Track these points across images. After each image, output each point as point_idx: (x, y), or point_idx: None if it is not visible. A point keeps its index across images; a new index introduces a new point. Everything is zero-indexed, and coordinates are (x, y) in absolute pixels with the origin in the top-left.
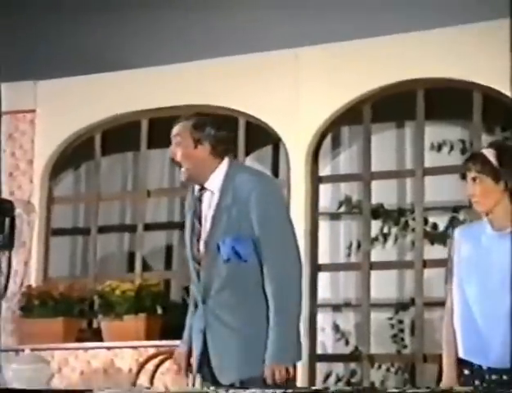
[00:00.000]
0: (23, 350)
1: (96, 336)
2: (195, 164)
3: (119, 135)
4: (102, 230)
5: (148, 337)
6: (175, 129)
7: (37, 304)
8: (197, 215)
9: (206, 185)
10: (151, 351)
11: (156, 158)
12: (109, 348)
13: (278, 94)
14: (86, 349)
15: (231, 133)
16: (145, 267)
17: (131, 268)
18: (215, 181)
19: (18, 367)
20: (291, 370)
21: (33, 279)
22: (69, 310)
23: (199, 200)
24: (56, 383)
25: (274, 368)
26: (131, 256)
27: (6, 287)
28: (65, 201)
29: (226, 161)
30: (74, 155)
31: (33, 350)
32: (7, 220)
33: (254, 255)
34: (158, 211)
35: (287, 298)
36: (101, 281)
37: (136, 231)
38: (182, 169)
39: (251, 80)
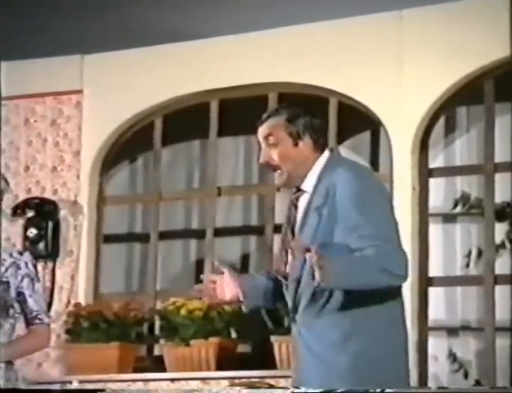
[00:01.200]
0: (70, 383)
1: (158, 365)
2: (295, 164)
3: (184, 120)
4: (164, 236)
5: (219, 367)
6: (264, 128)
7: (86, 327)
8: (291, 223)
9: (302, 186)
10: (224, 384)
11: (228, 148)
12: (173, 380)
13: (377, 68)
14: (145, 380)
15: (325, 120)
16: None
17: (199, 282)
18: (310, 180)
19: None
20: None
21: (82, 296)
22: (125, 334)
23: (295, 205)
24: None
25: None
26: (199, 267)
27: (49, 306)
28: (119, 202)
29: (325, 155)
30: (129, 146)
31: (81, 382)
32: (50, 224)
33: None
34: (230, 213)
35: None
36: (162, 298)
37: (204, 237)
38: (278, 172)
39: (344, 52)
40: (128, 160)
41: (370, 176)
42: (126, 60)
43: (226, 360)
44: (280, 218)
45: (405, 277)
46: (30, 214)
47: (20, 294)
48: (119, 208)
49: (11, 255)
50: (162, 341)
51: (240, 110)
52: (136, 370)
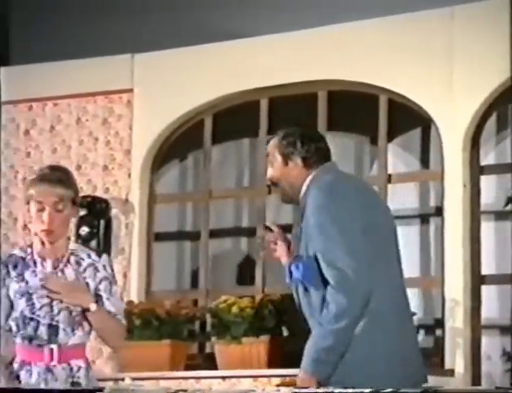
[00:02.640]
0: (122, 380)
1: (209, 362)
2: (287, 182)
3: (233, 118)
4: (214, 234)
5: (271, 364)
6: (266, 148)
7: (138, 325)
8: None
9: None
10: (275, 381)
11: None
12: (224, 377)
13: (428, 65)
14: (197, 378)
15: (323, 142)
16: (268, 279)
17: (250, 280)
18: (300, 196)
19: None
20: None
21: (134, 294)
22: (177, 332)
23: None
24: None
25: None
26: (249, 266)
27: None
28: (170, 200)
29: (313, 173)
30: (179, 144)
31: (134, 379)
32: (102, 223)
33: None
34: (280, 211)
35: None
36: (213, 296)
37: (254, 235)
38: (278, 189)
39: (394, 49)
40: (178, 159)
41: (336, 194)
42: (176, 59)
43: (276, 358)
44: None
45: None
46: (82, 212)
47: (97, 296)
48: (170, 206)
49: (89, 256)
50: (213, 339)
51: (290, 108)
52: (187, 367)
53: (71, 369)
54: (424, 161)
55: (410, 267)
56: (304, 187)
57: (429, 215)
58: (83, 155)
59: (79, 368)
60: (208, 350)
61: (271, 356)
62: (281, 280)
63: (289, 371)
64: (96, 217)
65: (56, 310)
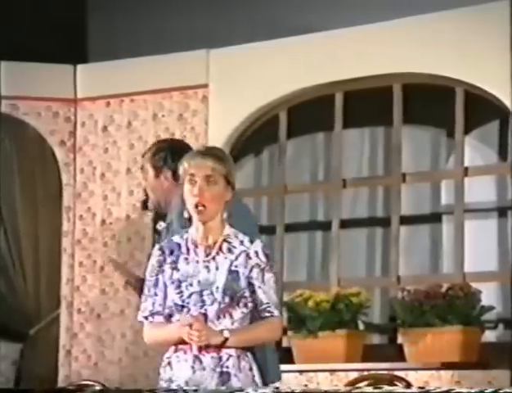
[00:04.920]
0: None
1: (286, 356)
2: (157, 193)
3: (308, 112)
4: (290, 228)
5: (348, 359)
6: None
7: None
8: None
9: None
10: (352, 376)
11: (353, 139)
12: (301, 371)
13: (505, 56)
14: None
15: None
16: (343, 272)
17: (325, 274)
18: None
19: None
20: None
21: None
22: None
23: None
24: None
25: None
26: (325, 260)
27: None
28: (245, 194)
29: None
30: (254, 139)
31: None
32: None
33: None
34: (356, 205)
35: None
36: (289, 290)
37: (330, 229)
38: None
39: (471, 40)
40: (253, 154)
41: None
42: (251, 54)
43: (353, 352)
44: (406, 209)
45: None
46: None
47: (249, 284)
48: (245, 201)
49: (241, 243)
50: (290, 333)
51: (365, 102)
52: None
53: (220, 358)
54: (502, 154)
55: (487, 261)
56: (176, 199)
57: (507, 209)
58: None
59: (229, 357)
60: (285, 343)
61: (348, 350)
62: (357, 274)
63: (367, 365)
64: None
65: (207, 300)
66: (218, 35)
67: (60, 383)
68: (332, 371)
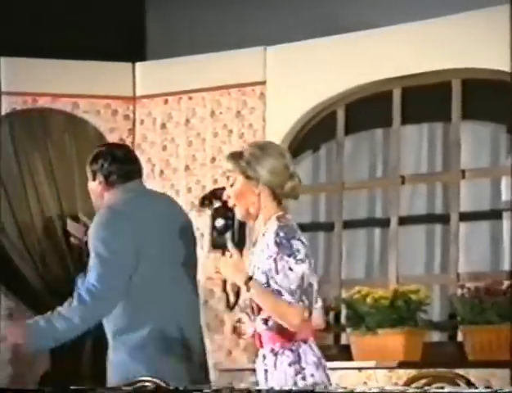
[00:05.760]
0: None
1: (345, 353)
2: (93, 196)
3: (366, 109)
4: (348, 225)
5: (408, 356)
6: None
7: None
8: None
9: None
10: (412, 373)
11: (411, 136)
12: (360, 368)
13: None
14: (333, 369)
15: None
16: (401, 269)
17: (383, 271)
18: None
19: None
20: None
21: None
22: None
23: None
24: None
25: None
26: (383, 256)
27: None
28: (303, 191)
29: (110, 192)
30: (311, 135)
31: None
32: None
33: None
34: (415, 201)
35: None
36: (347, 287)
37: (388, 225)
38: None
39: None
40: (311, 150)
41: (114, 215)
42: (308, 51)
43: (413, 349)
44: (465, 206)
45: None
46: (217, 204)
47: (266, 277)
48: (303, 197)
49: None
50: (348, 330)
51: (423, 98)
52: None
53: (264, 356)
54: None
55: None
56: (103, 204)
57: None
58: (218, 147)
59: (269, 353)
60: (343, 341)
61: (407, 347)
62: (415, 270)
63: (426, 363)
64: (230, 209)
65: None
66: (276, 32)
67: None
68: (390, 368)
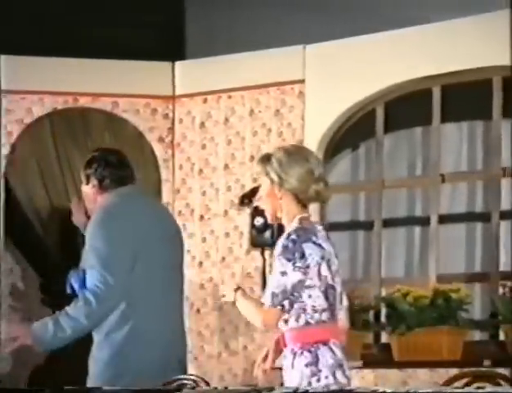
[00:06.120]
0: None
1: (385, 352)
2: (86, 200)
3: (405, 107)
4: (387, 223)
5: (448, 355)
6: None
7: None
8: None
9: None
10: (453, 372)
11: (451, 134)
12: (400, 367)
13: None
14: (373, 368)
15: (124, 169)
16: (442, 268)
17: (423, 269)
18: None
19: None
20: None
21: None
22: (352, 322)
23: None
24: None
25: None
26: (423, 255)
27: None
28: (342, 189)
29: (103, 196)
30: (351, 134)
31: None
32: None
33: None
34: (455, 200)
35: None
36: (387, 285)
37: (428, 224)
38: None
39: None
40: (350, 149)
41: (111, 219)
42: (347, 49)
43: (454, 348)
44: (506, 204)
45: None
46: (257, 203)
47: None
48: (343, 196)
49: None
50: (388, 329)
51: (463, 96)
52: (363, 357)
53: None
54: None
55: None
56: (98, 207)
57: None
58: (257, 146)
59: (288, 353)
60: (383, 339)
61: (448, 346)
62: (455, 269)
63: (467, 361)
64: None
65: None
66: (315, 30)
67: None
68: (431, 367)
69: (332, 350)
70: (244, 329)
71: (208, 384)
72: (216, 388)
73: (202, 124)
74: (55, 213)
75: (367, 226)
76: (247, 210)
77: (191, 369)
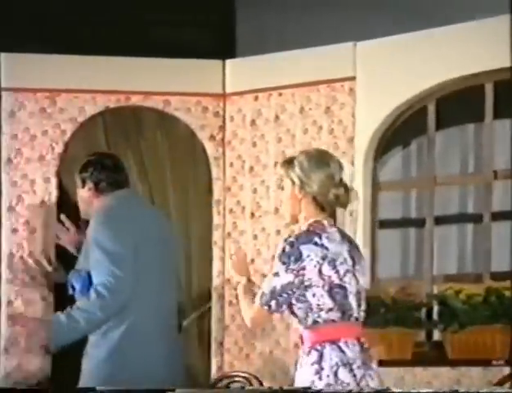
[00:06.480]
0: None
1: (438, 350)
2: (81, 202)
3: (457, 103)
4: (440, 221)
5: (501, 354)
6: None
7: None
8: None
9: None
10: (507, 371)
11: (504, 130)
12: (453, 366)
13: None
14: (425, 366)
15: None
16: (495, 265)
17: (476, 266)
18: None
19: None
20: None
21: None
22: (403, 319)
23: None
24: None
25: None
26: (475, 252)
27: None
28: (394, 187)
29: (99, 198)
30: (402, 131)
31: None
32: None
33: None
34: (508, 196)
35: None
36: (439, 283)
37: (481, 222)
38: None
39: None
40: (402, 146)
41: (112, 219)
42: (397, 46)
43: (507, 347)
44: None
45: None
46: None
47: None
48: (394, 193)
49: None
50: (441, 327)
51: None
52: (414, 355)
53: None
54: None
55: None
56: (95, 209)
57: None
58: (308, 143)
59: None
60: (436, 337)
61: (501, 345)
62: (509, 267)
63: None
64: None
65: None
66: (364, 28)
67: (213, 374)
68: (485, 366)
69: (341, 349)
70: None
71: (260, 382)
72: (270, 387)
73: (253, 122)
74: None
75: (419, 223)
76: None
77: (243, 367)
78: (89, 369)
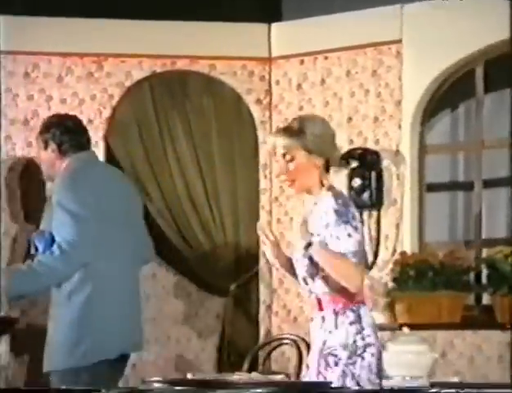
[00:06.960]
0: (400, 329)
1: (488, 314)
2: (44, 164)
3: (506, 66)
4: (488, 184)
5: None
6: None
7: (412, 276)
8: None
9: None
10: None
11: None
12: (503, 329)
13: None
14: (475, 329)
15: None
16: None
17: None
18: None
19: (396, 348)
20: None
21: (407, 245)
22: (452, 283)
23: None
24: (440, 371)
25: None
26: None
27: (376, 254)
28: (441, 150)
29: (65, 160)
30: (450, 94)
31: (411, 328)
32: (373, 174)
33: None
34: None
35: None
36: (488, 247)
37: None
38: None
39: None
40: (449, 109)
41: (77, 180)
42: (445, 8)
43: None
44: None
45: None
46: (354, 164)
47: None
48: (441, 157)
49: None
50: (490, 290)
51: None
52: (464, 319)
53: (323, 318)
54: None
55: None
56: (58, 171)
57: None
58: (354, 107)
59: (329, 315)
60: (485, 301)
61: None
62: None
63: None
64: (367, 169)
65: None
66: None
67: (262, 337)
68: None
69: (368, 311)
70: None
71: (308, 345)
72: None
73: (299, 86)
74: (154, 176)
75: (467, 187)
76: (344, 171)
77: (291, 330)
78: (55, 333)
